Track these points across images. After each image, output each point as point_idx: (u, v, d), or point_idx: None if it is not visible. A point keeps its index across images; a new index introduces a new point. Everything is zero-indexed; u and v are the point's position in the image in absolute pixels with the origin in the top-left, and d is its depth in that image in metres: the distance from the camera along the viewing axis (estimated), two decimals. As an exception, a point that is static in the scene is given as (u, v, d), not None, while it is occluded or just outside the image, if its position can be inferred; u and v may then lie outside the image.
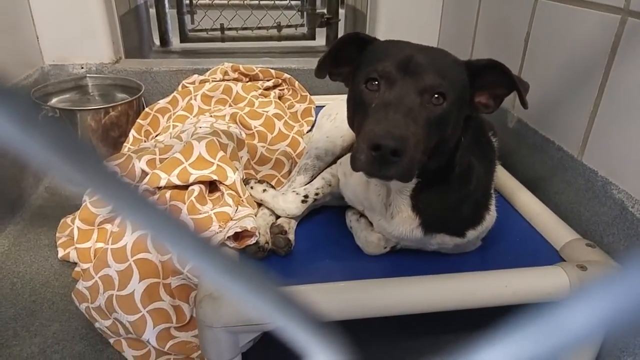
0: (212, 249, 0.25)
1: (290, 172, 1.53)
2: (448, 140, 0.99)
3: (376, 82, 0.95)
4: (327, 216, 1.33)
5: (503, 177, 1.47)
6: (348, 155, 1.30)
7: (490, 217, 1.16)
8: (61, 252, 1.49)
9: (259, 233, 1.16)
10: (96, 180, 0.22)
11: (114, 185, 0.22)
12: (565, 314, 0.21)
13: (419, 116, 0.90)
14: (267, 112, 1.77)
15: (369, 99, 0.94)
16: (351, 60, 1.04)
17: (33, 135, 0.20)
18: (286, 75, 2.05)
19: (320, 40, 2.87)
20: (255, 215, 1.25)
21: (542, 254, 1.20)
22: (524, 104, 0.97)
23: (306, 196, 1.27)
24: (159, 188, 1.30)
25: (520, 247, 1.24)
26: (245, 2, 2.97)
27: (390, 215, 1.11)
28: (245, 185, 1.34)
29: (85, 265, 1.37)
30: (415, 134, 0.88)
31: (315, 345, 0.27)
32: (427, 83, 0.92)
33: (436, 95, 0.92)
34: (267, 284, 0.26)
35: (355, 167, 0.91)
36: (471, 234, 1.13)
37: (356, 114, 0.99)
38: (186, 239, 0.24)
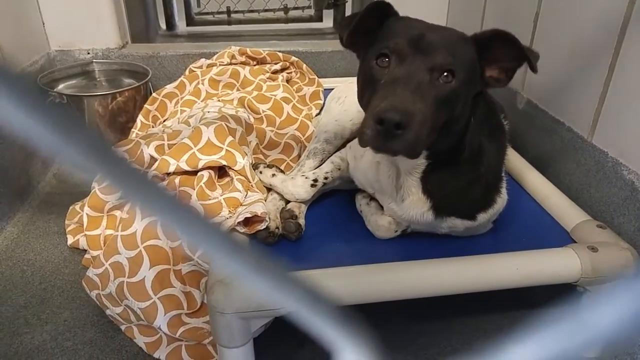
0: (224, 235, 0.24)
1: (299, 156, 1.53)
2: (457, 120, 0.98)
3: (387, 59, 0.95)
4: (337, 200, 1.33)
5: (513, 159, 1.46)
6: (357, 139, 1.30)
7: (502, 200, 1.16)
8: (70, 239, 1.49)
9: (269, 218, 1.16)
10: (105, 165, 0.21)
11: (123, 170, 0.21)
12: (593, 312, 0.20)
13: (427, 93, 0.90)
14: (275, 95, 1.76)
15: (379, 75, 0.95)
16: (367, 32, 1.03)
17: (40, 121, 0.19)
18: (294, 58, 2.03)
19: (328, 22, 2.84)
20: (265, 200, 1.25)
21: (553, 235, 1.20)
22: (534, 70, 0.96)
23: (315, 180, 1.26)
24: (168, 174, 1.30)
25: (531, 229, 1.24)
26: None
27: (401, 198, 1.10)
28: (254, 170, 1.33)
29: (95, 253, 1.37)
30: (422, 110, 0.88)
31: (344, 341, 0.26)
32: (437, 61, 0.92)
33: (445, 74, 0.92)
34: (289, 275, 0.25)
35: (362, 142, 0.92)
36: (482, 217, 1.13)
37: (365, 90, 0.99)
38: (198, 226, 0.24)
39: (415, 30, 0.95)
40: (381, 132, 0.86)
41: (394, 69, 0.93)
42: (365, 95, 0.99)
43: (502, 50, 0.98)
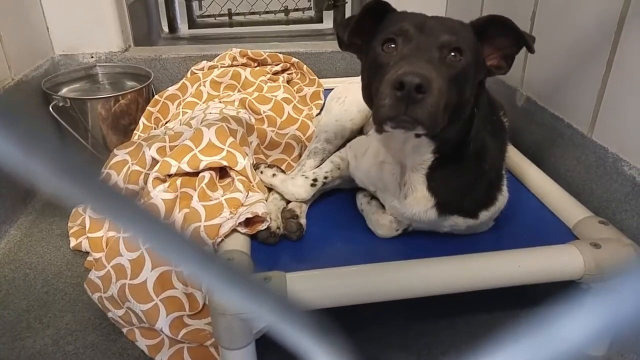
0: (210, 258, 0.24)
1: (300, 156, 1.53)
2: (465, 105, 0.98)
3: (393, 45, 0.94)
4: (338, 199, 1.33)
5: (514, 156, 1.46)
6: (358, 138, 1.30)
7: (503, 198, 1.16)
8: (73, 242, 1.49)
9: (270, 218, 1.16)
10: (94, 196, 0.21)
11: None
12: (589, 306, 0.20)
13: (439, 69, 0.89)
14: (276, 96, 1.76)
15: (387, 60, 0.93)
16: (365, 32, 1.03)
17: (34, 156, 0.19)
18: (294, 59, 2.04)
19: (328, 23, 2.85)
20: (266, 200, 1.25)
21: (555, 232, 1.19)
22: (531, 50, 0.97)
23: (315, 180, 1.26)
24: (170, 175, 1.30)
25: (532, 226, 1.23)
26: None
27: (404, 196, 1.10)
28: (255, 170, 1.33)
29: (97, 255, 1.37)
30: (438, 80, 0.87)
31: (317, 349, 0.26)
32: (444, 39, 0.92)
33: (453, 54, 0.92)
34: (265, 291, 0.25)
35: (379, 116, 0.89)
36: (484, 215, 1.13)
37: (373, 80, 0.96)
38: (186, 250, 0.24)
39: (417, 19, 0.96)
40: (401, 98, 0.84)
41: (402, 49, 0.93)
42: (373, 86, 0.96)
43: (499, 36, 0.99)
